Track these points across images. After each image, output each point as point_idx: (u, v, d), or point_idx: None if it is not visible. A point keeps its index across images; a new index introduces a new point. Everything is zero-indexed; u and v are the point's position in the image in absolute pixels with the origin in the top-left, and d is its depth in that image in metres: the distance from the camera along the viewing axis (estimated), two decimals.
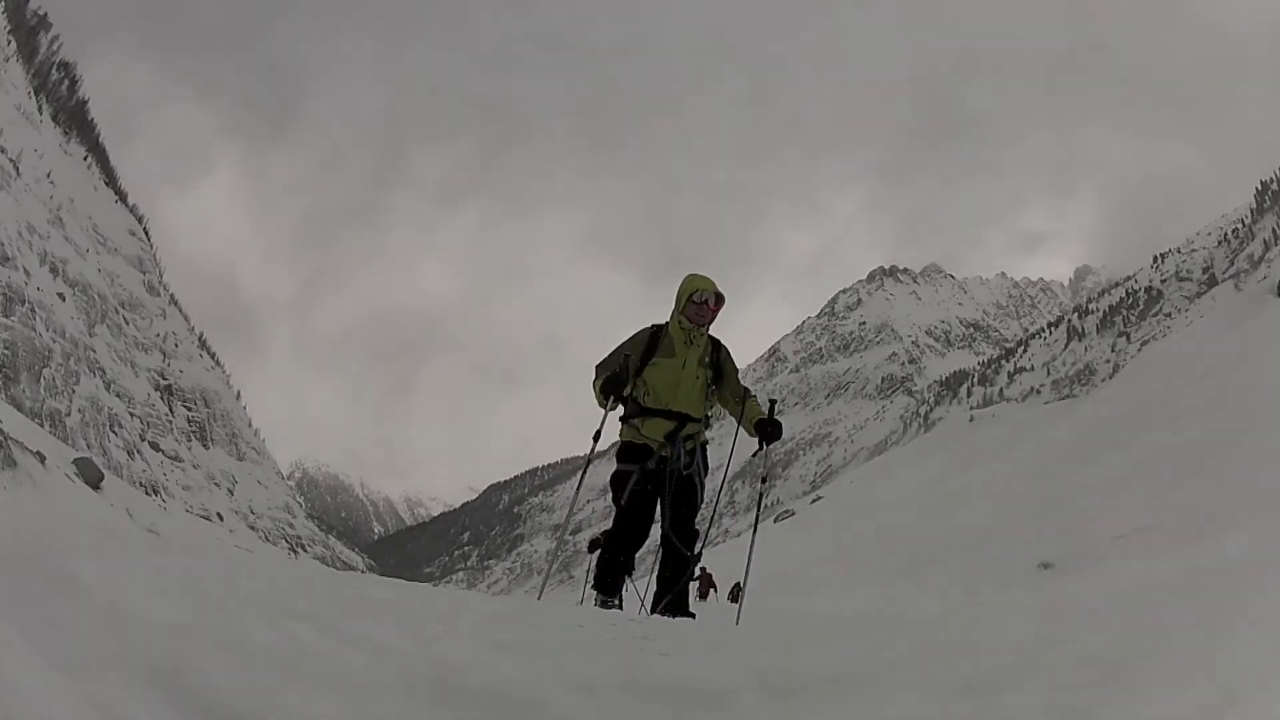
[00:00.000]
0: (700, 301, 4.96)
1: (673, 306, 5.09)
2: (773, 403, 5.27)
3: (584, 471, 5.76)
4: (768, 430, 5.11)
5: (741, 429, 5.23)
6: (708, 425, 5.25)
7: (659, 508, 5.04)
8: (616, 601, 5.13)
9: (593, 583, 5.26)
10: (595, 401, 5.13)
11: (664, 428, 5.05)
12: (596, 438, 5.24)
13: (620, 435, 5.19)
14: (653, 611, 4.87)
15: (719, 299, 5.05)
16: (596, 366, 5.17)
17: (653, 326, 5.20)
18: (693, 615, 4.93)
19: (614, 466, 5.13)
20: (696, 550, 5.11)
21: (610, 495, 5.17)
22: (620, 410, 5.11)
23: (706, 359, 5.10)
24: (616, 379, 4.98)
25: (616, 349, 5.17)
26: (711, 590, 25.95)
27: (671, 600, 4.93)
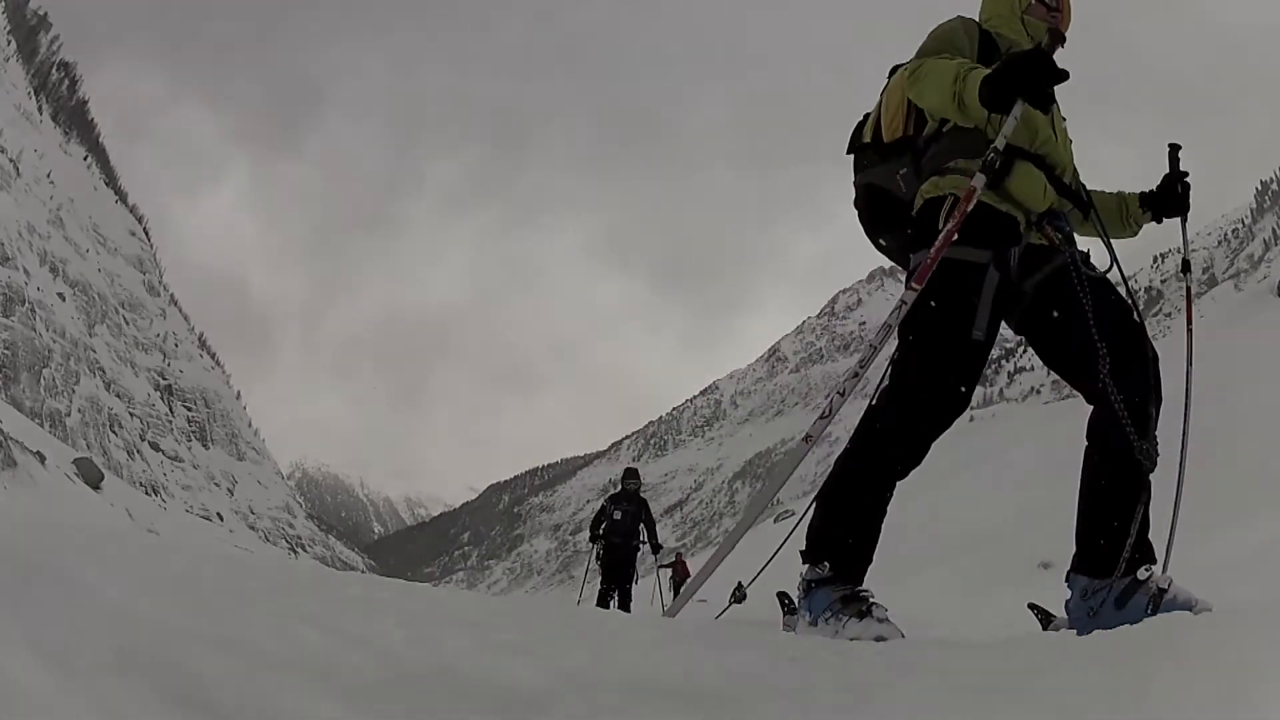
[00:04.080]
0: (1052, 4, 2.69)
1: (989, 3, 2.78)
2: (1175, 146, 2.96)
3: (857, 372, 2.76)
4: (1172, 193, 2.91)
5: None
6: None
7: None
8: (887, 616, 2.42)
9: (836, 558, 2.56)
10: (951, 108, 2.42)
11: (1045, 192, 2.56)
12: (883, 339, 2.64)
13: (943, 190, 2.53)
14: (1083, 626, 2.29)
15: None
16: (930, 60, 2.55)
17: (964, 20, 2.76)
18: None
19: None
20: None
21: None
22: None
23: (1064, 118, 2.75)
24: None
25: (938, 45, 2.66)
26: (686, 580, 25.13)
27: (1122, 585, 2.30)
